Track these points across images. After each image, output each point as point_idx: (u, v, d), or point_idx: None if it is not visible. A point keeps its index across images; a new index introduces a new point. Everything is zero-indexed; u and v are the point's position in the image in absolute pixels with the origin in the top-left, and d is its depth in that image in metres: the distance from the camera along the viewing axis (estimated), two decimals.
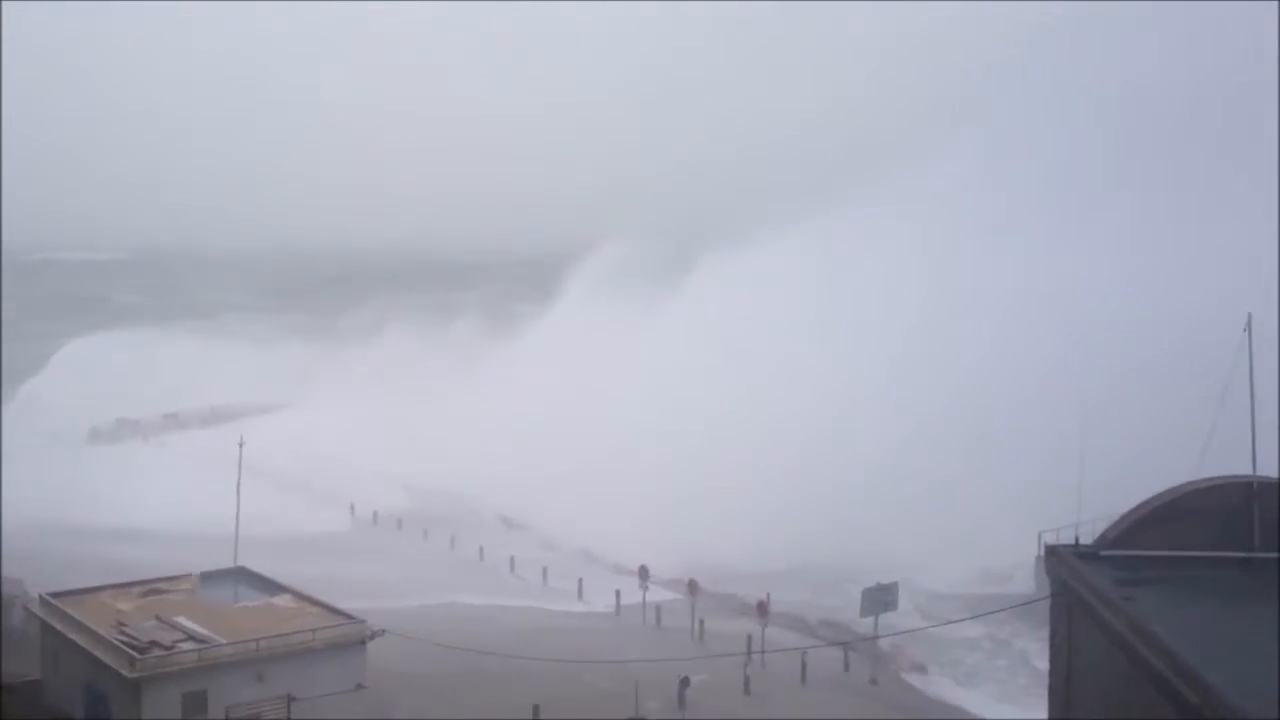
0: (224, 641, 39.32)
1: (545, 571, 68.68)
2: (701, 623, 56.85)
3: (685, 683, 47.06)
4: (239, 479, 49.42)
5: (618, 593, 62.36)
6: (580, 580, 66.05)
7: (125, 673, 37.36)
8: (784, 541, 69.14)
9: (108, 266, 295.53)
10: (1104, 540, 26.53)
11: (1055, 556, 26.81)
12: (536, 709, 43.87)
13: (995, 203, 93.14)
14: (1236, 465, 26.68)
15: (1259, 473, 25.93)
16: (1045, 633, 28.69)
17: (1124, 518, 26.45)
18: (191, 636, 39.64)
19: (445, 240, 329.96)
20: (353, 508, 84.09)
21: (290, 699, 38.70)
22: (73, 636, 40.41)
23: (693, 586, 59.15)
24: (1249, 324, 26.82)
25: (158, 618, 41.06)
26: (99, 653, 38.90)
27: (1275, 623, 22.88)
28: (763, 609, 55.05)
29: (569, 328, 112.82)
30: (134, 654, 37.82)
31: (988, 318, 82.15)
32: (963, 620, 53.73)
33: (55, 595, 43.65)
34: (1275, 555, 25.09)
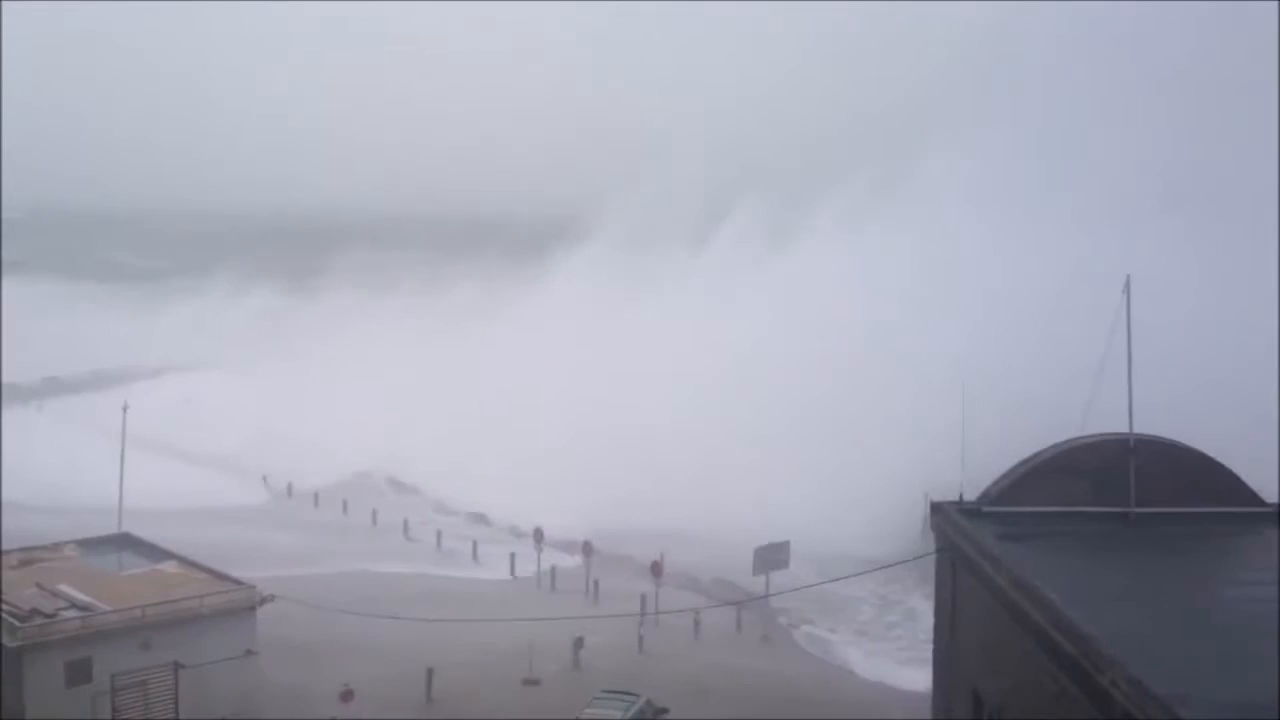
0: (108, 609, 38.60)
1: (439, 535, 68.35)
2: (596, 584, 57.09)
3: (580, 643, 47.31)
4: (123, 444, 48.47)
5: (512, 555, 62.30)
6: (474, 543, 65.81)
7: (6, 642, 36.52)
8: (680, 505, 69.82)
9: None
10: (986, 497, 27.05)
11: (940, 513, 27.29)
12: (430, 672, 43.74)
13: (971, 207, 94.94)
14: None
15: (1136, 430, 26.60)
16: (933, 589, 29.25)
17: (1006, 475, 26.99)
18: (74, 604, 38.84)
19: (452, 196, 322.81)
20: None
21: (177, 666, 38.13)
22: None
23: (587, 548, 59.33)
24: (1127, 286, 27.41)
25: (39, 585, 40.15)
26: None
27: (1150, 575, 23.58)
28: (657, 569, 55.40)
29: (544, 302, 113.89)
30: (15, 622, 36.97)
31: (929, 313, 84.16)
32: (851, 577, 54.54)
33: None
34: (1151, 510, 25.82)
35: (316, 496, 77.98)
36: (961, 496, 29.53)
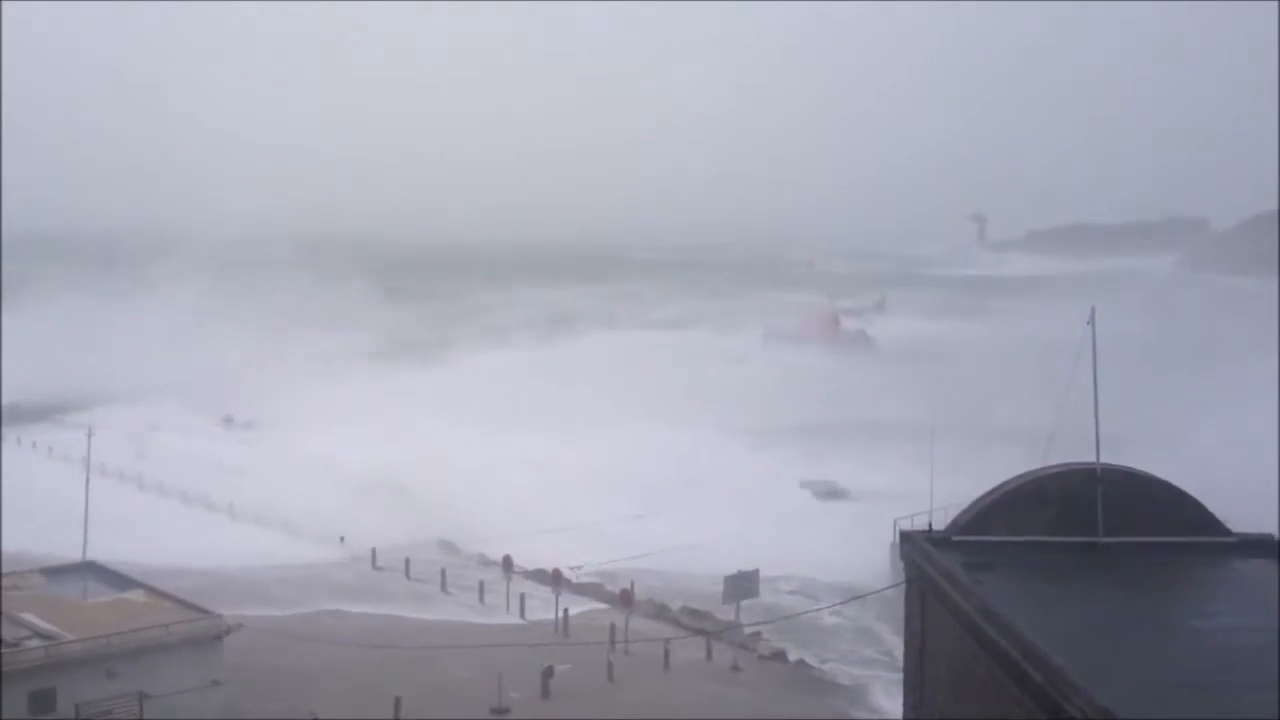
0: (72, 638, 38.23)
1: (408, 563, 67.85)
2: (566, 612, 56.89)
3: (549, 672, 47.16)
4: (88, 472, 48.18)
5: (481, 584, 62.08)
6: (443, 571, 65.38)
7: None
8: (650, 534, 70.24)
9: None
10: (955, 526, 27.13)
11: (909, 542, 27.34)
12: (398, 701, 43.47)
13: None
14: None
15: (1103, 460, 26.80)
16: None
17: (974, 504, 27.07)
18: (38, 633, 38.47)
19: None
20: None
21: (143, 696, 37.80)
22: None
23: (556, 577, 59.09)
24: (1092, 317, 27.68)
25: (2, 614, 39.73)
26: None
27: (1117, 604, 23.73)
28: (626, 598, 55.32)
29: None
30: None
31: None
32: (822, 609, 54.81)
33: None
34: (1118, 540, 25.97)
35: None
36: (930, 525, 29.62)
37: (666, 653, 51.46)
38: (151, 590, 43.73)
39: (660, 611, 59.27)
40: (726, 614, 54.35)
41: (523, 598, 59.48)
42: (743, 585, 53.79)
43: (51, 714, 36.67)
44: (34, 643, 37.91)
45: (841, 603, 55.41)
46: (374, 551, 68.77)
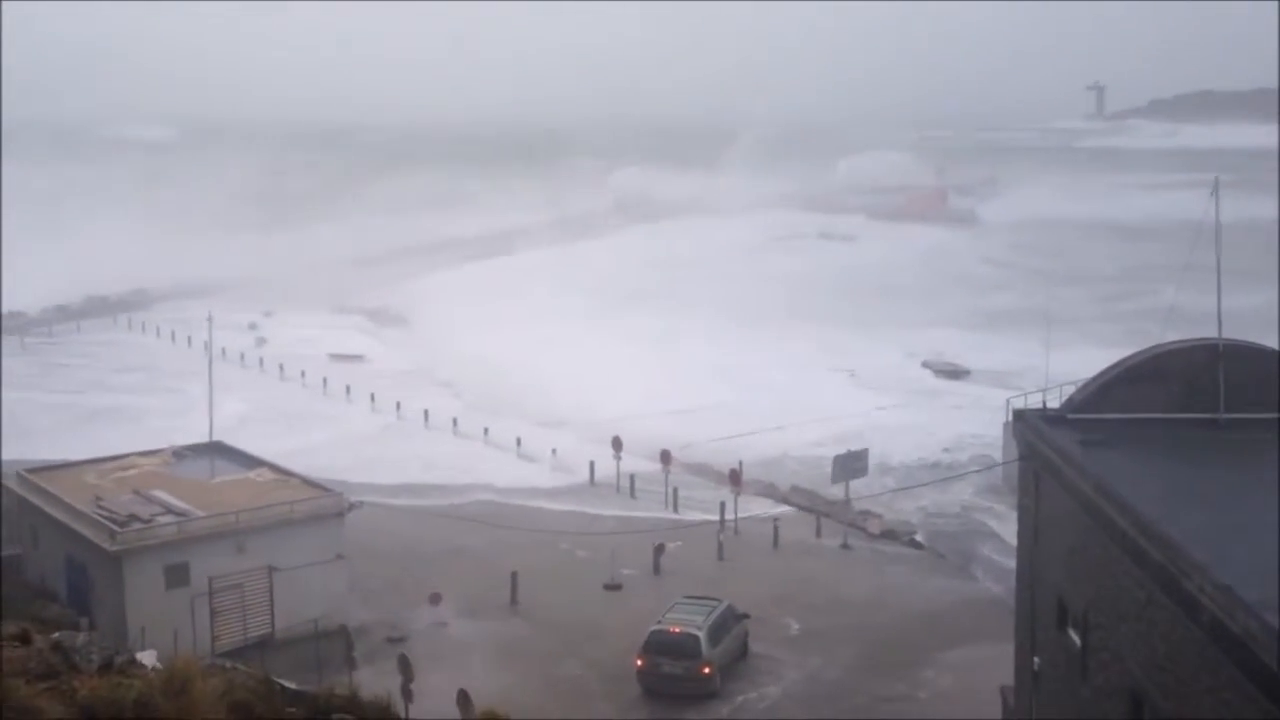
0: (203, 514, 39.68)
1: (519, 441, 68.85)
2: (675, 491, 57.59)
3: (660, 549, 47.98)
4: (210, 357, 49.55)
5: (591, 464, 62.75)
6: (554, 450, 66.25)
7: (106, 546, 37.73)
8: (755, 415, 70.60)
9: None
10: (1070, 404, 26.82)
11: (1022, 421, 27.16)
12: (515, 576, 44.65)
13: None
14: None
15: (1225, 335, 26.19)
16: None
17: (1090, 381, 26.72)
18: (170, 510, 39.99)
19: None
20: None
21: (271, 569, 39.24)
22: (51, 512, 40.70)
23: (665, 456, 59.64)
24: (1215, 188, 26.86)
25: (135, 491, 41.36)
26: (79, 527, 39.23)
27: (1238, 481, 23.36)
28: (735, 478, 55.73)
29: None
30: (114, 528, 38.17)
31: None
32: (930, 484, 54.79)
33: (32, 471, 43.91)
34: (1239, 416, 25.47)
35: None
36: (1044, 404, 29.33)
37: (776, 531, 51.94)
38: (275, 468, 45.11)
39: (769, 490, 59.66)
40: (835, 494, 54.53)
41: (633, 477, 60.14)
42: (852, 465, 53.79)
43: (185, 587, 38.24)
44: (167, 519, 39.44)
45: (947, 479, 55.39)
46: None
